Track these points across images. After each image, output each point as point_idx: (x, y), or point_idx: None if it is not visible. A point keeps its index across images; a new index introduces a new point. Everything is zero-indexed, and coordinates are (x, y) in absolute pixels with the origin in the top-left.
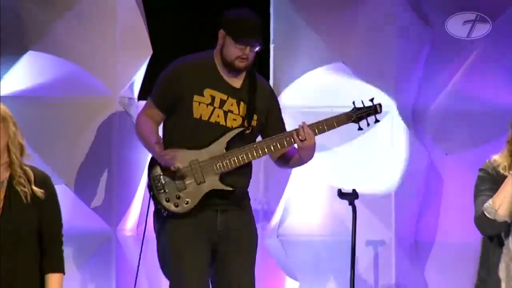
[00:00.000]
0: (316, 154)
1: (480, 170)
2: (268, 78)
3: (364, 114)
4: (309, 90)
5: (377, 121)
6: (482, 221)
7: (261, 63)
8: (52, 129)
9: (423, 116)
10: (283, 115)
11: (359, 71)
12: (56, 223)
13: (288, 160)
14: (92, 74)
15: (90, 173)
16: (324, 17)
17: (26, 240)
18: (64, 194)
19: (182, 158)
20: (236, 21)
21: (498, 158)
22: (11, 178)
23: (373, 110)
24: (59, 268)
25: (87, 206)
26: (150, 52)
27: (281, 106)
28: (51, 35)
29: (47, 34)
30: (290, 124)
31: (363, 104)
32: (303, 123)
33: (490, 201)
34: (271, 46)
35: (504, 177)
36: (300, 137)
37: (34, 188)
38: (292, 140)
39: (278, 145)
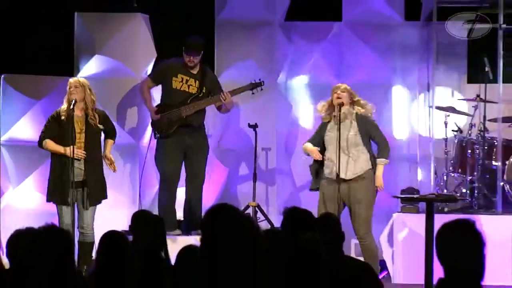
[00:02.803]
0: (238, 108)
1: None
2: (214, 63)
3: (255, 86)
4: (236, 72)
5: (262, 89)
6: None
7: (211, 58)
8: (108, 93)
9: (290, 86)
10: (223, 84)
11: (261, 64)
12: (112, 125)
13: (221, 108)
14: (125, 65)
15: (125, 114)
16: (243, 36)
17: (99, 140)
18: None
19: (168, 110)
20: (186, 44)
21: (321, 111)
22: (86, 114)
23: (260, 84)
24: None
25: (124, 130)
26: (155, 54)
27: (223, 79)
28: (107, 45)
29: (105, 44)
30: (228, 87)
31: (255, 81)
32: (226, 92)
33: (305, 147)
34: (215, 50)
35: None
36: (224, 99)
37: (96, 114)
38: (221, 99)
39: (213, 101)
